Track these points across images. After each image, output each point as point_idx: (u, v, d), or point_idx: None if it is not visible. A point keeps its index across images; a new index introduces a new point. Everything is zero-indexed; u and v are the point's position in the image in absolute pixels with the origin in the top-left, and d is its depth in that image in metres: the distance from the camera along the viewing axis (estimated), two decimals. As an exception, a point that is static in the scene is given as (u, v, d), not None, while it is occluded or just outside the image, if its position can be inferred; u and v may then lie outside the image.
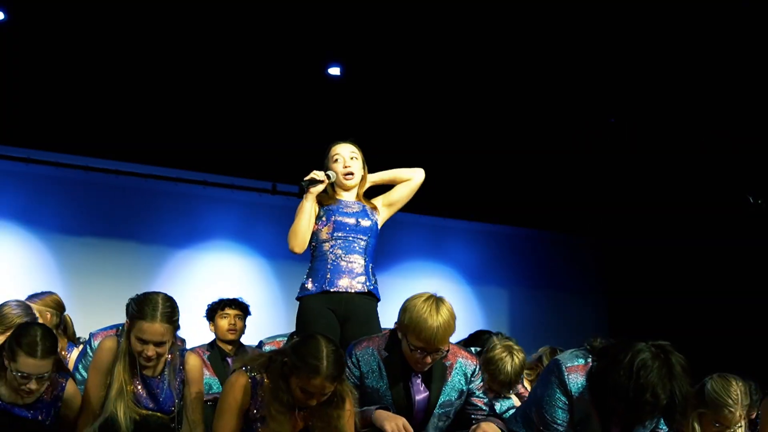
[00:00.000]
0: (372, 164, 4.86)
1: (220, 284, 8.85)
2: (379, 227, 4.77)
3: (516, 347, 4.75)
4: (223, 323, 6.00)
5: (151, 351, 3.84)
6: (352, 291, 4.53)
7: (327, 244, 4.60)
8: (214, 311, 6.09)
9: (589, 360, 3.51)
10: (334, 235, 4.60)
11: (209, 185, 9.13)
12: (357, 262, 4.59)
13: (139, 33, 7.78)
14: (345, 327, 4.49)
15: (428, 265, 9.72)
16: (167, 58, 8.09)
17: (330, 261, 4.57)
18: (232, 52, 8.08)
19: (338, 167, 4.73)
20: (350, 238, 4.61)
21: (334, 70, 8.51)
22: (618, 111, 8.88)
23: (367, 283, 4.58)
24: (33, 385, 3.76)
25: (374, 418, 3.79)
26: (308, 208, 4.58)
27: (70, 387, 3.96)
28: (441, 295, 3.91)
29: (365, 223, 4.68)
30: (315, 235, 4.63)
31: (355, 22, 7.68)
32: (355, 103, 8.68)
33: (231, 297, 6.24)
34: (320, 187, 4.60)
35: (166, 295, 3.95)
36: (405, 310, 3.85)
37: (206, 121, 8.59)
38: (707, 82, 7.97)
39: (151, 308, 3.83)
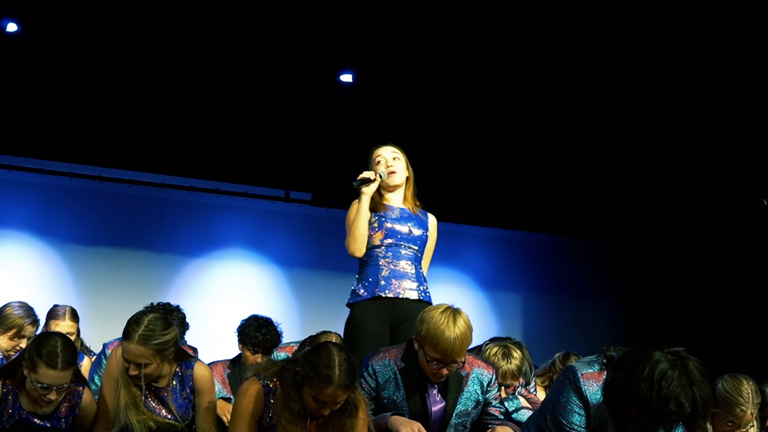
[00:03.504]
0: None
1: (234, 293, 8.88)
2: (428, 238, 4.76)
3: (512, 346, 4.72)
4: (249, 358, 5.83)
5: (132, 370, 3.79)
6: (403, 297, 4.53)
7: (378, 250, 4.58)
8: (243, 342, 5.72)
9: (604, 368, 3.49)
10: (385, 242, 4.59)
11: (222, 194, 9.13)
12: (408, 270, 4.59)
13: (151, 44, 7.80)
14: (400, 328, 4.47)
15: (442, 271, 9.67)
16: (180, 68, 8.12)
17: (381, 266, 4.56)
18: (244, 60, 8.09)
19: (381, 168, 4.69)
20: (402, 246, 4.60)
21: (346, 77, 8.51)
22: (632, 114, 8.86)
23: (420, 290, 4.59)
24: (53, 396, 3.76)
25: (390, 423, 3.79)
26: (365, 209, 4.56)
27: (86, 395, 3.95)
28: (457, 306, 3.90)
29: (417, 232, 4.68)
30: (367, 240, 4.62)
31: (367, 29, 7.69)
32: (368, 110, 8.68)
33: (263, 327, 5.68)
34: (373, 186, 4.59)
35: (157, 316, 3.87)
36: (422, 321, 3.83)
37: (219, 130, 8.61)
38: (722, 86, 7.95)
39: (133, 329, 3.76)
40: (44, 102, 8.08)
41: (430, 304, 4.57)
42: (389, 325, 4.51)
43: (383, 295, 4.51)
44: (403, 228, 4.63)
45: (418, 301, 4.55)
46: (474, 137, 9.17)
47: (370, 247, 4.61)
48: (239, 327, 5.74)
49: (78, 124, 8.27)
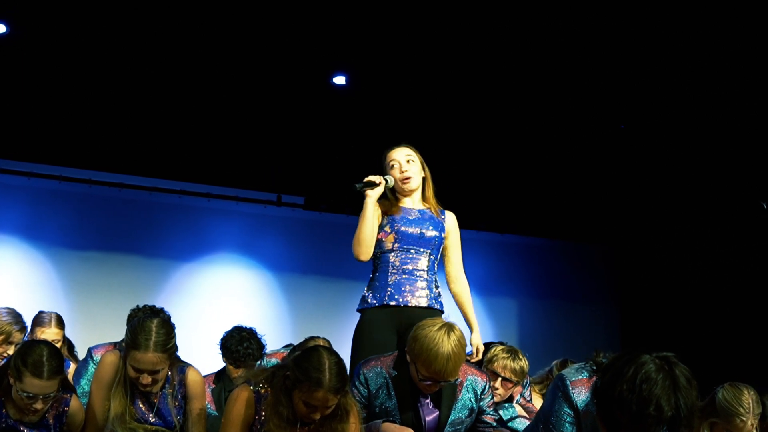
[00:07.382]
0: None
1: (225, 298, 8.86)
2: (444, 239, 4.63)
3: (518, 350, 4.72)
4: (233, 371, 5.74)
5: (145, 379, 3.81)
6: (413, 305, 4.42)
7: (390, 254, 4.48)
8: (225, 355, 5.65)
9: (594, 374, 3.48)
10: (395, 246, 4.49)
11: (214, 197, 9.10)
12: (420, 275, 4.48)
13: (141, 45, 7.79)
14: (406, 335, 4.33)
15: (439, 275, 9.66)
16: (170, 70, 8.10)
17: (391, 273, 4.46)
18: (237, 63, 8.08)
19: (395, 173, 4.59)
20: (413, 250, 4.49)
21: (339, 80, 8.49)
22: (629, 117, 8.84)
23: (430, 297, 4.49)
24: (39, 405, 3.75)
25: (381, 430, 3.78)
26: (370, 212, 4.45)
27: (74, 403, 3.95)
28: (452, 317, 3.89)
29: (429, 233, 4.55)
30: (378, 244, 4.50)
31: (360, 31, 7.67)
32: (361, 113, 8.66)
33: (245, 340, 5.58)
34: (378, 190, 4.48)
35: (161, 320, 3.89)
36: (415, 339, 3.79)
37: (210, 133, 8.59)
38: (720, 88, 7.93)
39: (144, 338, 3.77)
40: (33, 105, 8.05)
41: (442, 311, 4.50)
42: (396, 332, 4.39)
43: (392, 304, 4.41)
44: (414, 231, 4.50)
45: (428, 308, 4.45)
46: (469, 141, 9.15)
47: (383, 252, 4.50)
48: (221, 340, 5.67)
49: (67, 127, 8.25)
